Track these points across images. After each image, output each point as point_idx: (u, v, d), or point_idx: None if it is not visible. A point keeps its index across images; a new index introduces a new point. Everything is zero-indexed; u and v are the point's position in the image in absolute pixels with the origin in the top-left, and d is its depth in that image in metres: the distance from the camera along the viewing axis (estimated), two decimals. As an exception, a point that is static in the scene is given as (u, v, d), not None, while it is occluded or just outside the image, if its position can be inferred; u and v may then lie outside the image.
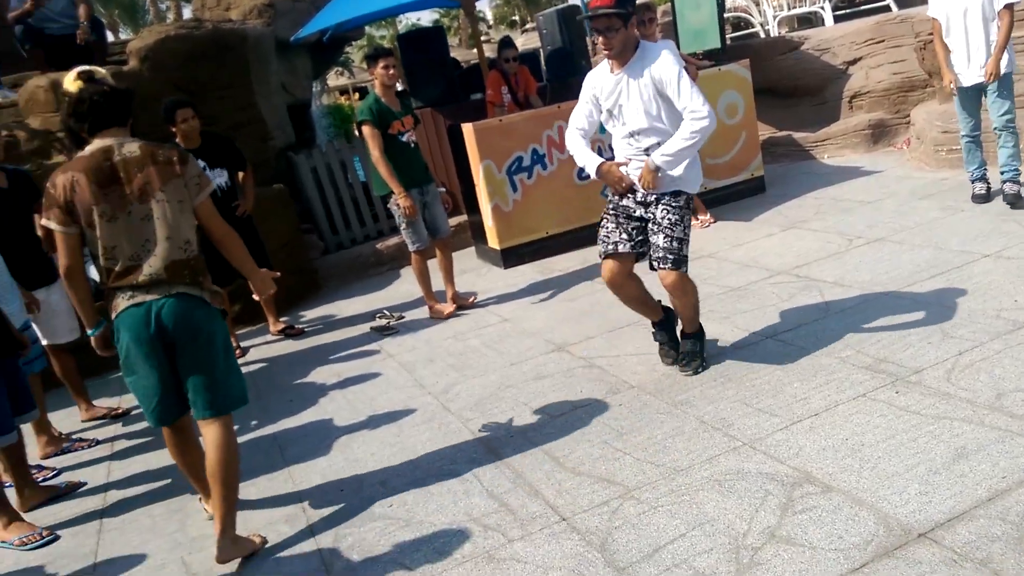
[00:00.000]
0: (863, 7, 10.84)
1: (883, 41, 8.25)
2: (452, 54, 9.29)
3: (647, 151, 3.49)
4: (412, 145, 5.20)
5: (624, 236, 3.63)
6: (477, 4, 8.09)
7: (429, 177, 5.36)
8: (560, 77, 8.12)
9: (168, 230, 2.79)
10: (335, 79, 32.49)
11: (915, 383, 3.26)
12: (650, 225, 3.57)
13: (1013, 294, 3.90)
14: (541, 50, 9.08)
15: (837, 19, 10.20)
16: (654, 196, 3.53)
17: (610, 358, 4.16)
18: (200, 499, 3.34)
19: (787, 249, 5.37)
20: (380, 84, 5.07)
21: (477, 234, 6.89)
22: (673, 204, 3.51)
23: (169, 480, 3.74)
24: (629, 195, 3.61)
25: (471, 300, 5.58)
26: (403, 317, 5.65)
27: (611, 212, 3.68)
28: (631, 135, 3.53)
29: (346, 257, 7.24)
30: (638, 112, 3.46)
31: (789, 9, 10.34)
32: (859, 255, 4.99)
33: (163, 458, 3.78)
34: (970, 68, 5.29)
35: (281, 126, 7.52)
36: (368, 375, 4.65)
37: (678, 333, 3.92)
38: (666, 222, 3.50)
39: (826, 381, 3.42)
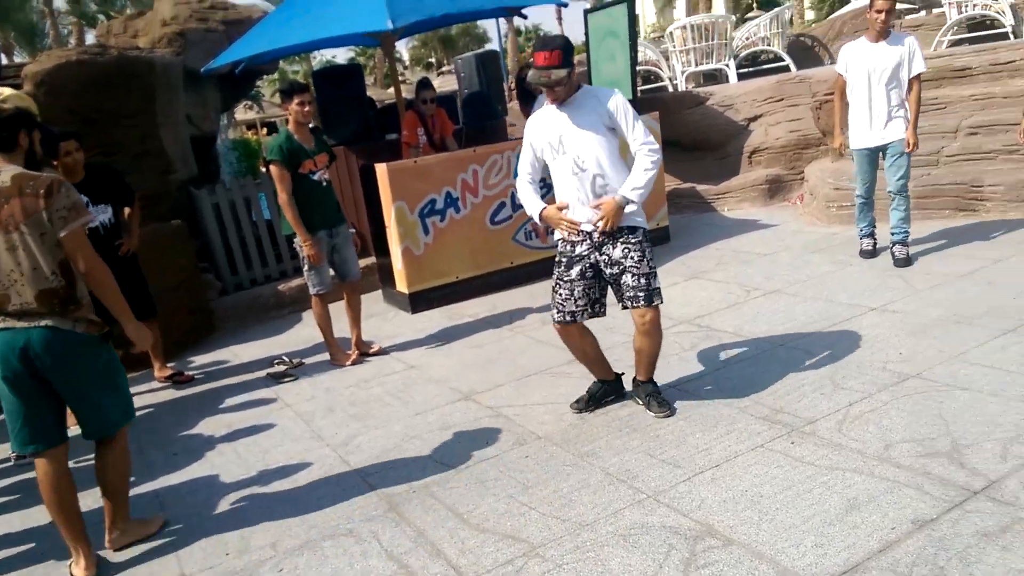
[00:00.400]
0: (764, 66, 11.44)
1: (782, 99, 8.69)
2: (367, 93, 9.22)
3: (593, 184, 3.49)
4: (324, 184, 5.07)
5: (580, 304, 3.62)
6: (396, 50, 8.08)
7: (340, 218, 5.23)
8: (476, 121, 8.17)
9: (33, 260, 2.85)
10: (243, 113, 31.76)
11: (809, 433, 3.33)
12: (609, 269, 3.54)
13: (898, 347, 4.08)
14: (458, 93, 9.12)
15: (740, 77, 10.70)
16: (610, 240, 3.51)
17: (517, 407, 4.10)
18: (71, 564, 3.07)
19: (690, 299, 5.48)
20: (294, 121, 4.94)
21: (385, 277, 6.76)
22: (632, 241, 3.51)
23: (33, 544, 3.43)
24: (582, 240, 3.56)
25: (375, 349, 5.42)
26: (302, 363, 5.44)
27: (564, 278, 3.63)
28: (576, 165, 3.49)
29: (245, 298, 6.97)
30: (583, 139, 3.47)
31: (696, 65, 10.79)
32: (757, 306, 5.14)
33: (29, 518, 3.47)
34: (871, 130, 5.43)
35: (184, 159, 7.24)
36: (262, 426, 4.43)
37: (630, 383, 3.92)
38: (630, 261, 3.50)
39: (727, 431, 3.47)
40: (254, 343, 6.15)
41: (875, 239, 5.80)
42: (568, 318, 3.66)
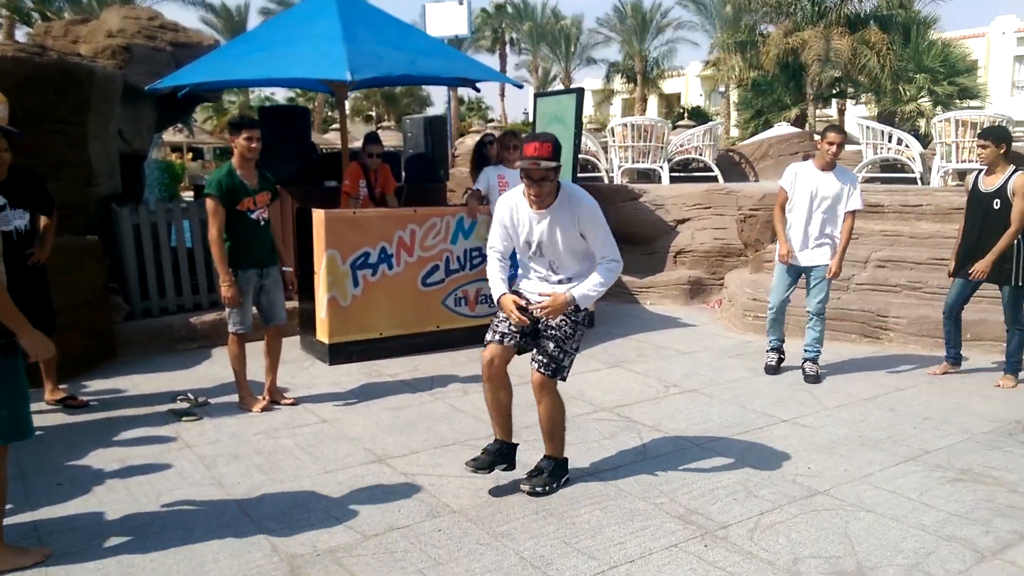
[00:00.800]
0: (694, 173, 12.02)
1: (710, 207, 9.12)
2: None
3: (560, 281, 3.72)
4: (262, 223, 4.95)
5: (513, 330, 3.72)
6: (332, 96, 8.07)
7: (274, 259, 5.10)
8: (419, 182, 8.21)
9: None
10: (172, 135, 30.93)
11: (722, 538, 3.38)
12: (545, 331, 3.70)
13: (807, 461, 4.23)
14: (403, 152, 9.17)
15: (672, 180, 11.20)
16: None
17: (433, 477, 4.00)
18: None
19: (612, 386, 5.55)
20: (239, 155, 4.83)
21: (306, 324, 6.58)
22: (572, 318, 3.70)
23: None
24: (538, 300, 3.71)
25: (289, 400, 5.21)
26: (208, 403, 5.18)
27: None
28: (551, 267, 3.74)
29: (153, 326, 6.63)
30: (561, 248, 3.67)
31: (633, 162, 11.23)
32: (675, 403, 5.25)
33: None
34: (801, 251, 5.66)
35: (110, 174, 6.94)
36: (158, 465, 4.15)
37: (511, 460, 3.94)
38: (560, 333, 3.68)
39: (642, 527, 3.47)
40: (158, 375, 5.82)
41: (781, 355, 5.98)
42: (498, 337, 3.74)
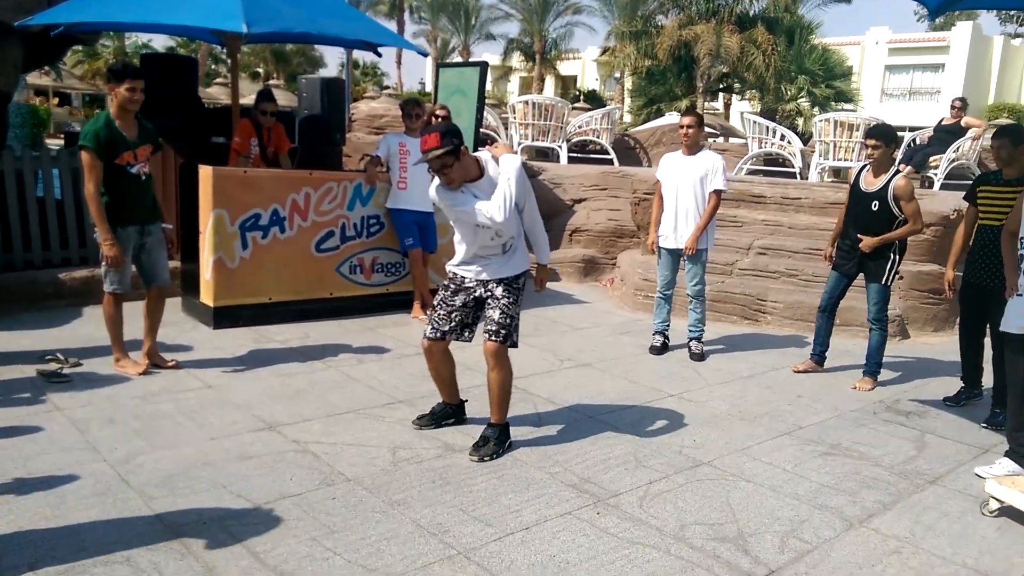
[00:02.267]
0: (591, 155, 12.22)
1: (605, 189, 9.32)
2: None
3: (505, 247, 3.86)
4: (143, 178, 4.64)
5: (454, 325, 3.96)
6: (219, 49, 7.62)
7: (156, 216, 4.80)
8: (313, 144, 7.92)
9: None
10: (37, 78, 28.53)
11: (613, 506, 3.48)
12: (488, 300, 3.90)
13: (692, 433, 4.42)
14: (296, 112, 8.82)
15: (570, 160, 11.34)
16: (496, 279, 3.88)
17: (326, 445, 3.91)
18: None
19: (506, 359, 5.58)
20: (118, 106, 4.50)
21: (188, 285, 6.26)
22: (513, 286, 3.91)
23: None
24: (478, 275, 3.90)
25: (171, 363, 4.95)
26: (80, 364, 4.84)
27: (447, 302, 3.96)
28: (496, 234, 3.81)
29: (17, 281, 6.12)
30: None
31: (532, 140, 11.29)
32: (569, 376, 5.35)
33: None
34: (675, 234, 5.88)
35: (-32, 114, 6.32)
36: (25, 428, 3.85)
37: (459, 415, 4.30)
38: (504, 300, 3.87)
39: (537, 495, 3.52)
40: (22, 332, 5.39)
41: (666, 337, 6.14)
42: (439, 335, 3.97)
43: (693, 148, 5.86)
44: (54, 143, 14.79)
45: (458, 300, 3.96)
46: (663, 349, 6.09)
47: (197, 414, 4.21)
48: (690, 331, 6.06)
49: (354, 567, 2.84)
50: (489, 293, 3.91)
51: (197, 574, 2.73)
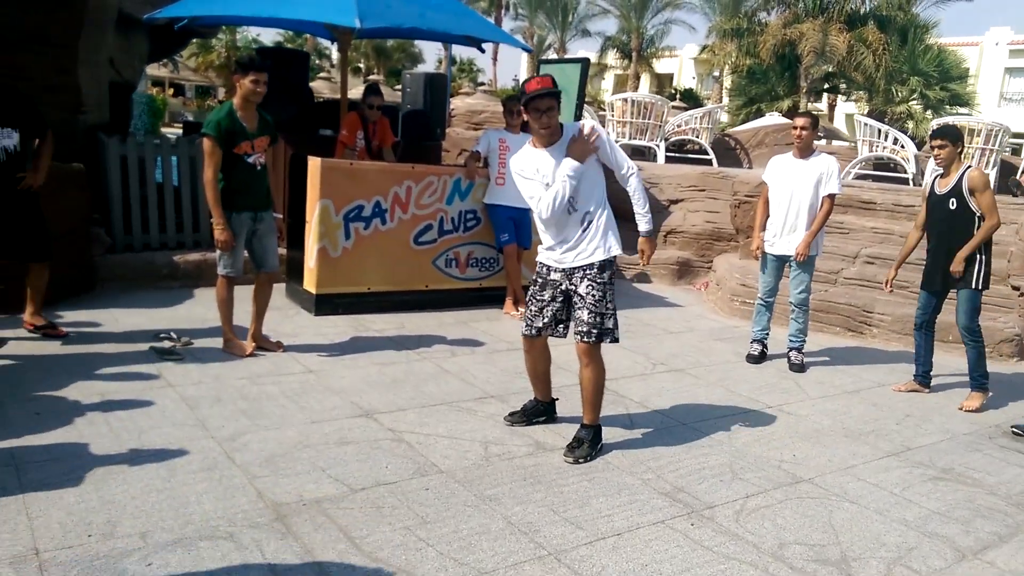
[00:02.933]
0: (689, 155, 11.97)
1: (704, 190, 9.10)
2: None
3: (583, 220, 3.75)
4: (259, 168, 4.83)
5: (547, 320, 3.94)
6: (326, 45, 7.85)
7: (268, 203, 4.98)
8: (415, 139, 8.06)
9: None
10: (154, 69, 30.16)
11: (708, 518, 3.39)
12: (574, 299, 3.82)
13: (792, 448, 4.26)
14: (400, 107, 8.99)
15: (667, 160, 11.14)
16: (579, 270, 3.77)
17: (420, 435, 3.96)
18: None
19: (598, 360, 5.53)
20: (242, 97, 4.69)
21: (292, 272, 6.47)
22: (597, 280, 3.78)
23: None
24: (555, 271, 3.85)
25: (279, 348, 5.13)
26: (192, 343, 5.08)
27: (536, 296, 3.94)
28: (571, 204, 3.72)
29: (135, 261, 6.48)
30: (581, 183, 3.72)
31: (629, 139, 11.15)
32: (662, 380, 5.26)
33: None
34: (782, 239, 5.64)
35: (98, 102, 6.74)
36: (140, 402, 4.07)
37: (550, 413, 4.30)
38: (590, 298, 3.76)
39: (629, 501, 3.47)
40: (138, 311, 5.69)
41: (764, 346, 5.91)
42: (534, 332, 3.99)
43: (806, 151, 5.64)
44: (170, 131, 15.59)
45: (547, 295, 3.92)
46: (761, 358, 5.87)
47: (299, 397, 4.34)
48: (791, 340, 5.84)
49: (446, 559, 2.87)
50: (574, 288, 3.81)
51: (296, 554, 2.81)
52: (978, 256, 5.02)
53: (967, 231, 5.01)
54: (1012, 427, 4.78)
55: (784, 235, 5.65)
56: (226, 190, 4.70)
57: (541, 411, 4.28)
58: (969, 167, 5.09)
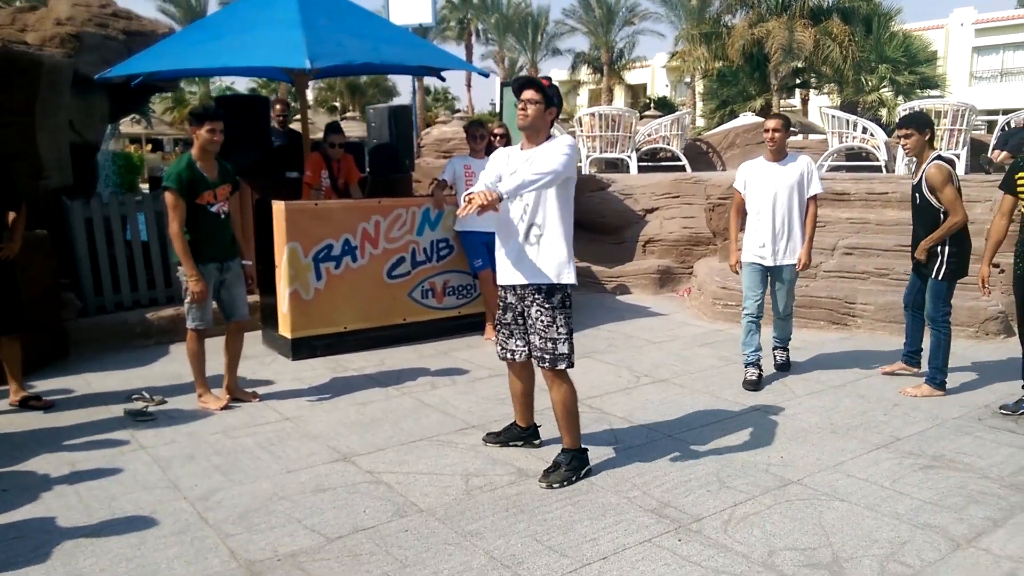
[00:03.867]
0: (662, 163, 11.98)
1: (678, 196, 9.08)
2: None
3: (528, 231, 3.68)
4: (222, 216, 4.80)
5: (519, 343, 3.88)
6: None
7: (235, 252, 4.94)
8: (383, 172, 8.03)
9: None
10: (130, 126, 30.25)
11: (696, 531, 3.31)
12: (528, 321, 3.77)
13: (779, 450, 4.18)
14: (366, 142, 8.98)
15: (640, 170, 11.14)
16: (529, 293, 3.70)
17: (400, 475, 3.88)
18: None
19: (582, 377, 5.41)
20: (200, 147, 4.67)
21: (267, 319, 6.40)
22: (545, 306, 3.69)
23: None
24: (510, 292, 3.81)
25: (254, 398, 5.05)
26: (165, 402, 4.99)
27: (502, 321, 3.91)
28: (524, 209, 3.69)
29: (108, 323, 6.40)
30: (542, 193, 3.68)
31: (601, 152, 11.16)
32: (646, 393, 5.18)
33: None
34: (767, 249, 5.31)
35: (59, 166, 6.68)
36: (110, 469, 3.97)
37: (528, 439, 4.23)
38: (539, 324, 3.71)
39: (615, 522, 3.39)
40: (112, 373, 5.61)
41: (761, 369, 5.40)
42: (509, 356, 3.94)
43: (780, 153, 5.37)
44: (147, 187, 15.57)
45: (508, 317, 3.88)
46: (759, 383, 5.29)
47: (275, 447, 4.26)
48: (775, 340, 5.71)
49: (426, 603, 2.78)
50: (525, 309, 3.75)
51: (270, 613, 2.72)
52: (942, 248, 4.93)
53: (933, 224, 4.97)
54: (1000, 407, 4.72)
55: (775, 244, 5.32)
56: (192, 242, 4.66)
57: (517, 435, 4.23)
58: (934, 160, 4.96)
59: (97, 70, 7.08)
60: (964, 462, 3.98)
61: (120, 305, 6.67)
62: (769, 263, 5.36)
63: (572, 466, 3.80)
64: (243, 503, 3.57)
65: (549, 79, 3.78)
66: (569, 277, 3.69)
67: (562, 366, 3.72)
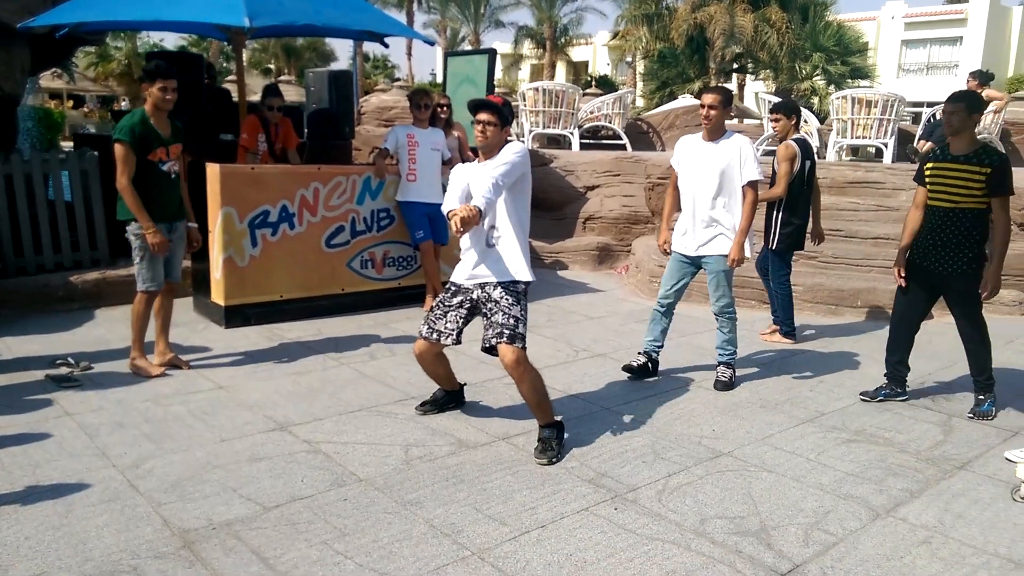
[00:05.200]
0: (603, 141, 12.06)
1: (619, 175, 9.17)
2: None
3: (489, 235, 3.85)
4: (173, 176, 4.69)
5: (449, 327, 3.94)
6: (229, 46, 7.57)
7: (182, 213, 4.84)
8: (322, 138, 7.85)
9: None
10: (50, 80, 28.71)
11: (631, 501, 3.39)
12: (486, 306, 3.84)
13: (711, 423, 4.31)
14: (304, 107, 8.76)
15: (582, 147, 11.19)
16: (494, 282, 3.83)
17: (338, 444, 3.84)
18: None
19: (521, 351, 5.50)
20: (152, 104, 4.57)
21: (199, 284, 6.22)
22: (511, 290, 3.83)
23: None
24: (471, 278, 3.89)
25: (185, 367, 4.91)
26: (91, 368, 4.82)
27: (445, 303, 3.96)
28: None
29: (28, 285, 6.11)
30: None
31: (543, 127, 11.15)
32: (584, 367, 5.26)
33: None
34: (689, 237, 4.83)
35: (-26, 118, 6.30)
36: (34, 435, 3.82)
37: (459, 399, 4.38)
38: (504, 302, 3.80)
39: (553, 491, 3.44)
40: (33, 337, 5.37)
41: (650, 359, 5.01)
42: (435, 336, 3.97)
43: (716, 132, 4.75)
44: (68, 145, 14.86)
45: (455, 301, 3.95)
46: (641, 372, 4.96)
47: (208, 416, 4.16)
48: (719, 354, 4.98)
49: (365, 571, 2.78)
50: (487, 295, 3.85)
51: (206, 582, 2.67)
52: (775, 219, 5.77)
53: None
54: (860, 393, 4.76)
55: (695, 232, 4.81)
56: (142, 199, 4.51)
57: (451, 399, 4.35)
58: (791, 140, 5.71)
59: (20, 19, 6.68)
60: (884, 437, 4.18)
61: (42, 267, 6.37)
62: (691, 253, 4.84)
63: (559, 438, 3.88)
64: (175, 472, 3.49)
65: (504, 99, 3.92)
66: (527, 275, 3.89)
67: (519, 344, 3.77)
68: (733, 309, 4.94)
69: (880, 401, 4.69)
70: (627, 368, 5.02)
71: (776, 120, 5.75)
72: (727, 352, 4.96)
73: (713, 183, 4.72)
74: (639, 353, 5.09)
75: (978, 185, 4.19)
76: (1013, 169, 4.30)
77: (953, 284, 4.37)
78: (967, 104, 4.26)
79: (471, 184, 3.84)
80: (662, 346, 5.07)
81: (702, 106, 4.76)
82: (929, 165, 4.45)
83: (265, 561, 2.81)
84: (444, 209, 3.88)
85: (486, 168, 3.78)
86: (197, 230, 5.03)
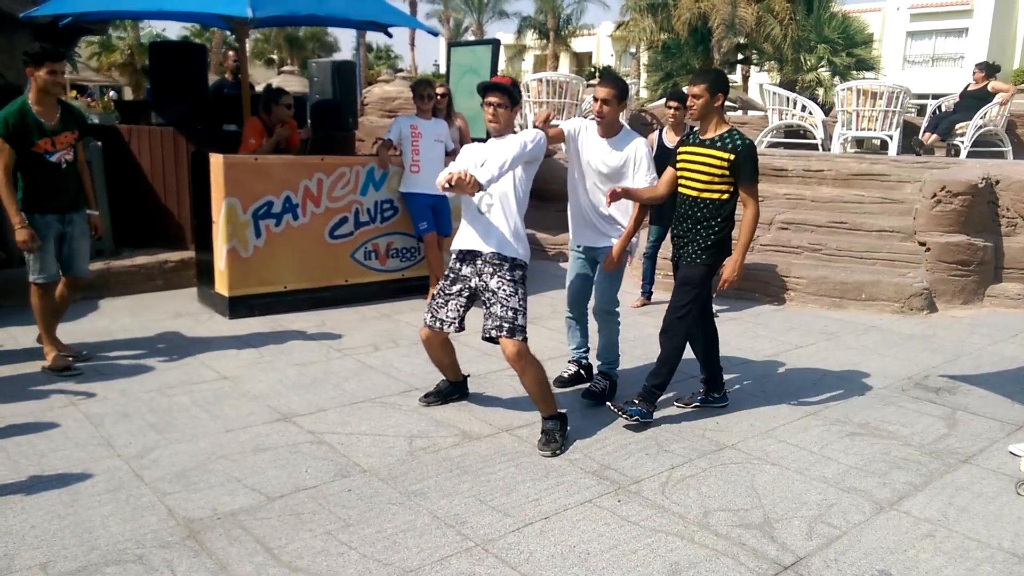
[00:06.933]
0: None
1: (622, 166, 9.13)
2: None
3: (487, 203, 3.83)
4: (64, 166, 4.50)
5: (451, 315, 3.92)
6: (232, 36, 7.54)
7: (79, 204, 4.67)
8: (326, 129, 7.83)
9: None
10: (53, 70, 28.65)
11: (635, 493, 3.39)
12: (485, 295, 3.81)
13: (715, 416, 4.31)
14: (308, 98, 8.73)
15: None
16: (490, 268, 3.78)
17: (342, 436, 3.85)
18: None
19: (524, 343, 5.49)
20: (38, 90, 4.35)
21: (203, 275, 6.22)
22: (508, 277, 3.79)
23: None
24: (466, 264, 3.89)
25: (82, 353, 4.81)
26: (90, 357, 4.82)
27: (446, 291, 3.94)
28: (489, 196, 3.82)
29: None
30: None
31: (546, 118, 11.10)
32: (589, 358, 5.24)
33: None
34: (583, 231, 4.45)
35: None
36: (40, 424, 3.84)
37: (463, 391, 4.37)
38: (502, 292, 3.76)
39: (556, 483, 3.45)
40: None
41: (581, 366, 4.73)
42: (438, 325, 3.95)
43: (610, 129, 4.18)
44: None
45: (455, 289, 3.94)
46: (572, 380, 4.67)
47: (212, 406, 4.17)
48: (599, 362, 4.60)
49: (369, 561, 2.78)
50: (484, 284, 3.82)
51: (210, 572, 2.68)
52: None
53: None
54: (675, 399, 4.49)
55: (583, 228, 4.45)
56: (27, 191, 4.40)
57: (455, 390, 4.35)
58: (691, 130, 5.54)
59: (22, 8, 6.68)
60: (888, 430, 4.17)
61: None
62: (587, 244, 4.46)
63: (562, 429, 3.88)
64: (180, 461, 3.50)
65: (512, 79, 3.92)
66: (524, 256, 3.86)
67: (519, 337, 3.75)
68: (616, 312, 4.54)
69: (696, 407, 4.41)
70: (559, 381, 4.63)
71: (676, 110, 6.24)
72: (605, 361, 4.61)
73: (593, 184, 4.30)
74: (569, 362, 4.81)
75: (720, 172, 3.94)
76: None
77: (681, 270, 4.15)
78: (708, 86, 3.92)
79: (480, 162, 3.79)
80: (588, 351, 4.79)
81: (594, 98, 4.17)
82: (681, 149, 4.12)
83: (269, 551, 2.82)
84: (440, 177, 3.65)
85: (498, 147, 3.76)
86: (98, 217, 4.88)
